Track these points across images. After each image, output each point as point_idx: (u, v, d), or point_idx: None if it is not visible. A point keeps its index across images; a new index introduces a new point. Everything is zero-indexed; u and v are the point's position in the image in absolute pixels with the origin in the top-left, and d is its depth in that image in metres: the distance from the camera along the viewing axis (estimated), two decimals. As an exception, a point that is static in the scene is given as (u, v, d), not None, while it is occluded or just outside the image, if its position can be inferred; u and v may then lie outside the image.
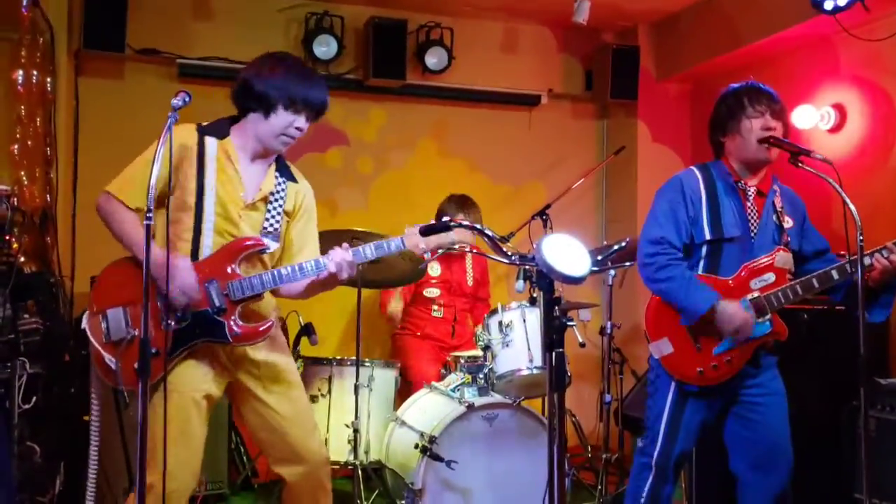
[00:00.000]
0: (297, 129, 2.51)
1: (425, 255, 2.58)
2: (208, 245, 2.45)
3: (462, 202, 4.45)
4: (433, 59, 5.04)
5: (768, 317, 2.68)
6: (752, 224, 2.74)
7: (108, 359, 2.35)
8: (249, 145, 2.54)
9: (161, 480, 2.23)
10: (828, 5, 3.91)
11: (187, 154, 2.43)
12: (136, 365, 2.21)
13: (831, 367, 3.42)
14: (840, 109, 4.38)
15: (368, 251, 2.54)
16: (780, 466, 2.73)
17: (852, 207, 2.45)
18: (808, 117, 4.46)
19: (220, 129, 2.54)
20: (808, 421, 3.35)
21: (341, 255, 2.49)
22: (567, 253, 1.87)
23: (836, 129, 4.40)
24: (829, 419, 3.40)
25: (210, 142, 2.49)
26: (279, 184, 2.60)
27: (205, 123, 2.53)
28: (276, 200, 2.58)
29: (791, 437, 2.75)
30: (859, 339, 2.44)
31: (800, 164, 2.65)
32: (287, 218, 2.62)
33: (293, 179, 2.66)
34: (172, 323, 2.39)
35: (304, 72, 2.56)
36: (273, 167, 2.61)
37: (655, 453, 2.76)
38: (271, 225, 2.55)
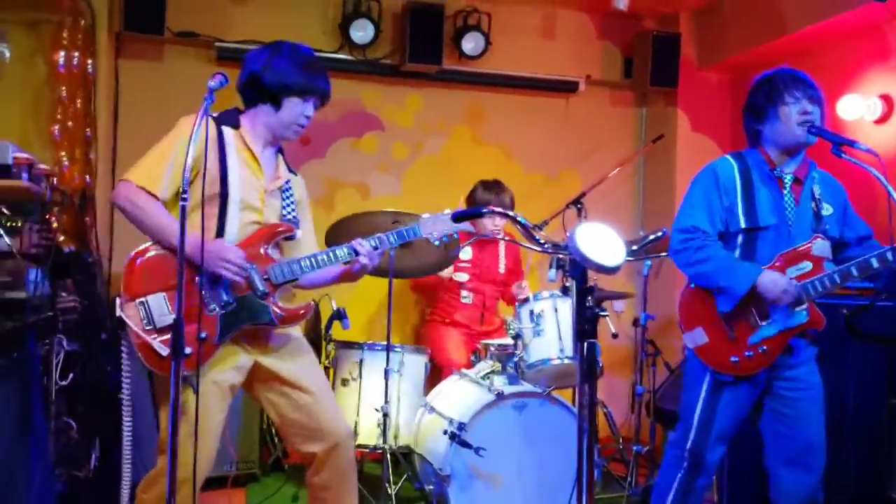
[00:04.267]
0: (307, 117, 2.57)
1: (436, 243, 2.67)
2: (232, 232, 2.47)
3: (493, 187, 4.42)
4: (470, 44, 5.01)
5: (805, 306, 2.64)
6: (789, 212, 2.70)
7: (158, 346, 2.34)
8: (260, 135, 2.58)
9: (187, 470, 2.25)
10: (878, -8, 3.81)
11: (210, 143, 2.45)
12: (187, 350, 2.21)
13: (870, 364, 3.34)
14: (887, 100, 4.26)
15: (392, 238, 2.62)
16: (812, 464, 2.68)
17: (898, 199, 2.38)
18: (854, 107, 4.35)
19: (232, 119, 2.57)
20: (846, 418, 3.28)
21: (367, 243, 2.56)
22: (601, 242, 1.84)
23: (882, 119, 4.28)
24: (867, 417, 3.33)
25: (227, 131, 2.53)
26: (288, 174, 2.67)
27: (216, 114, 2.54)
28: (289, 189, 2.63)
29: (826, 435, 2.70)
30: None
31: (843, 155, 2.59)
32: (298, 208, 2.67)
33: (293, 172, 2.72)
34: (218, 308, 2.41)
35: (308, 60, 2.59)
36: (280, 157, 2.67)
37: (689, 444, 2.72)
38: (290, 212, 2.60)
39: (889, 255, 2.54)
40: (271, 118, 2.56)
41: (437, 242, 2.68)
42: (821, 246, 2.67)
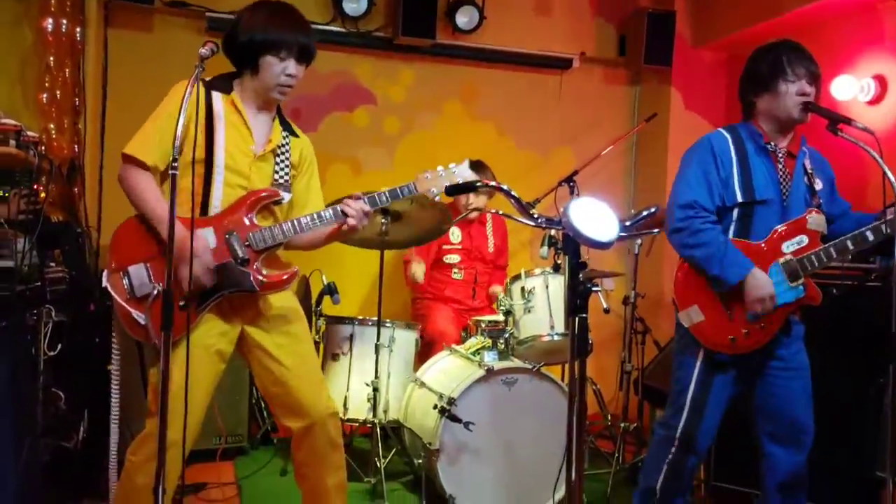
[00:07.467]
0: (290, 75, 2.50)
1: (436, 199, 2.63)
2: (218, 198, 2.45)
3: (476, 166, 4.39)
4: (464, 18, 4.96)
5: (801, 281, 2.62)
6: (784, 186, 2.67)
7: (137, 315, 2.37)
8: (251, 99, 2.55)
9: (174, 433, 2.25)
10: (875, -28, 3.79)
11: (197, 109, 2.42)
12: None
13: (859, 344, 3.36)
14: (881, 81, 4.26)
15: (383, 198, 2.58)
16: (798, 442, 2.70)
17: (892, 179, 2.38)
18: (848, 88, 4.35)
19: (223, 84, 2.54)
20: (834, 397, 3.31)
21: (358, 205, 2.52)
22: (595, 217, 1.83)
23: (875, 100, 4.28)
24: (855, 396, 3.35)
25: (217, 96, 2.50)
26: (284, 136, 2.61)
27: (208, 79, 2.51)
28: (284, 153, 2.59)
29: (813, 414, 2.72)
30: (890, 316, 2.39)
31: (839, 133, 2.58)
32: (294, 171, 2.64)
33: (294, 134, 2.67)
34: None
35: (278, 12, 2.53)
36: (276, 120, 2.62)
37: (680, 425, 2.71)
38: (282, 177, 2.57)
39: (884, 228, 2.54)
40: (254, 82, 2.52)
41: (437, 198, 2.64)
42: (816, 220, 2.65)
